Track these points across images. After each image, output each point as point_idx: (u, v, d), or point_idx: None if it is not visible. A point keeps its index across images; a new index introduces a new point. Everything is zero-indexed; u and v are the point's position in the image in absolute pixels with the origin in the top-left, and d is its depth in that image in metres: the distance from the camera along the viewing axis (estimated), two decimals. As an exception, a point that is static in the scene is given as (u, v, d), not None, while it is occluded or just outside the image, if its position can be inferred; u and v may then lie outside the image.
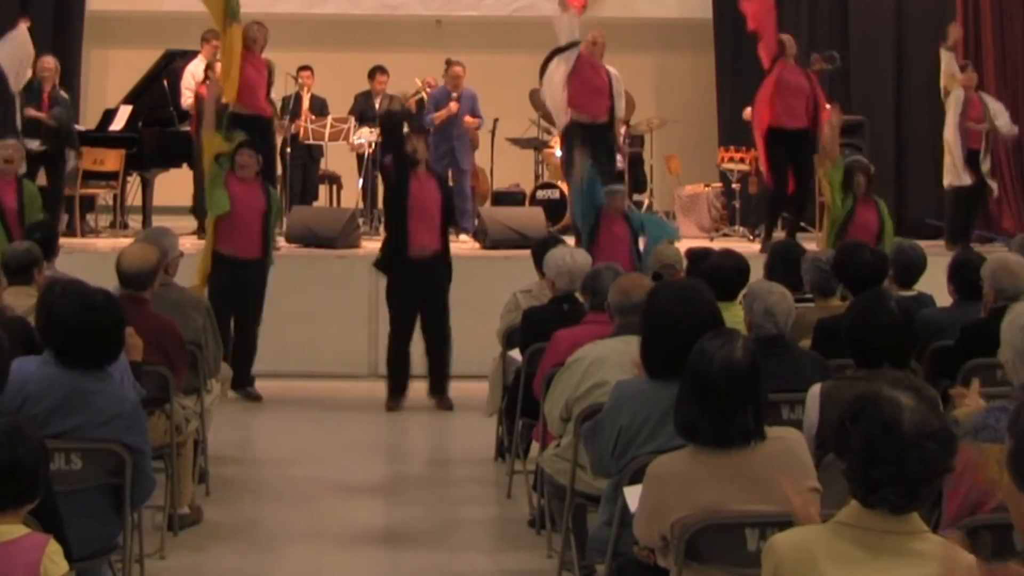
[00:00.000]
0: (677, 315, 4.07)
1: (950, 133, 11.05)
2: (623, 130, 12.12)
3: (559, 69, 10.47)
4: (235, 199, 8.52)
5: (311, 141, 12.13)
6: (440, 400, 8.72)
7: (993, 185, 11.22)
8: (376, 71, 12.44)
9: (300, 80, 12.51)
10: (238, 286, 8.51)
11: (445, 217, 8.68)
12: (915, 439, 2.66)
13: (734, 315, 5.59)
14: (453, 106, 11.40)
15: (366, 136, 11.81)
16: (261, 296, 8.71)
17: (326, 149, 12.45)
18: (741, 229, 12.19)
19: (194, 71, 11.36)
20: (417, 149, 8.53)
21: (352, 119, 12.10)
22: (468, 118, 11.61)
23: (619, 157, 11.65)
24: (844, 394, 3.83)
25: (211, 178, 8.65)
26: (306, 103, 12.42)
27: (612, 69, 10.70)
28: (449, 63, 11.73)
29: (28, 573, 3.06)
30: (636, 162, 12.83)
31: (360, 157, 12.23)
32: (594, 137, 10.35)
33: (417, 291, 8.56)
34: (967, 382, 4.44)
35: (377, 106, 12.04)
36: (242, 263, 8.53)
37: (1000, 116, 11.11)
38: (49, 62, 10.86)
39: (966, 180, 11.01)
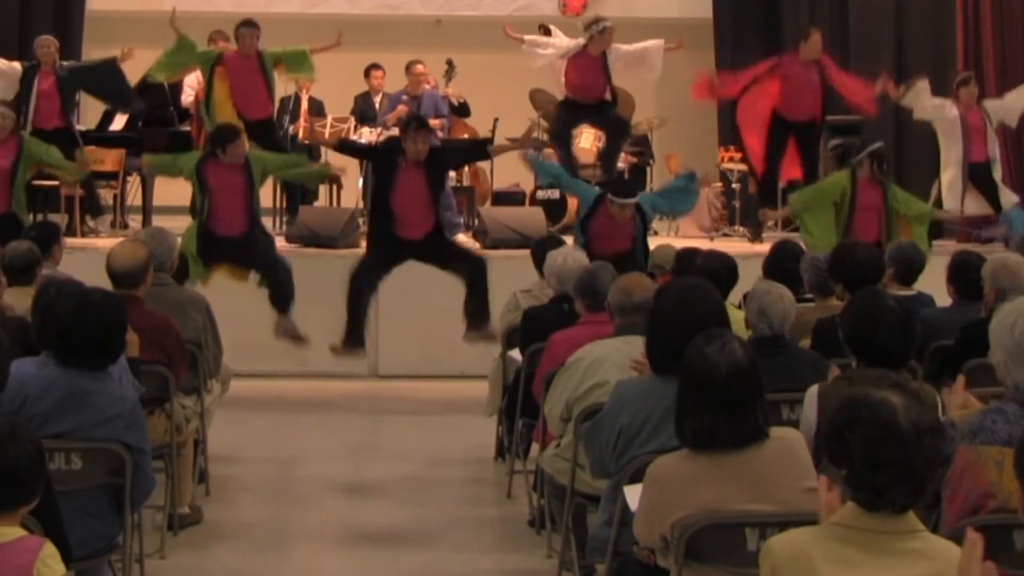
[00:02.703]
0: (683, 314, 4.07)
1: (951, 163, 10.53)
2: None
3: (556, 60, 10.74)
4: (215, 185, 8.48)
5: (310, 141, 12.12)
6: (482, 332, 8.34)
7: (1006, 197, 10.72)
8: (371, 68, 12.41)
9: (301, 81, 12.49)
10: (233, 255, 8.54)
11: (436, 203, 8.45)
12: (915, 437, 2.66)
13: (725, 316, 5.60)
14: (401, 108, 11.30)
15: (366, 136, 11.80)
16: (269, 245, 8.72)
17: (324, 149, 12.43)
18: (741, 229, 12.15)
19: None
20: (420, 151, 8.26)
21: (352, 119, 12.09)
22: (432, 120, 11.51)
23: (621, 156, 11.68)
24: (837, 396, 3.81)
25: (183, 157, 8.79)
26: (304, 103, 12.40)
27: (613, 48, 10.81)
28: (411, 64, 11.56)
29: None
30: (637, 170, 12.85)
31: (361, 156, 12.20)
32: (590, 113, 10.79)
33: (413, 249, 8.36)
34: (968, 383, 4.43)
35: (377, 105, 12.00)
36: (233, 239, 8.52)
37: (1000, 111, 10.80)
38: (48, 42, 10.66)
39: (972, 208, 10.51)
